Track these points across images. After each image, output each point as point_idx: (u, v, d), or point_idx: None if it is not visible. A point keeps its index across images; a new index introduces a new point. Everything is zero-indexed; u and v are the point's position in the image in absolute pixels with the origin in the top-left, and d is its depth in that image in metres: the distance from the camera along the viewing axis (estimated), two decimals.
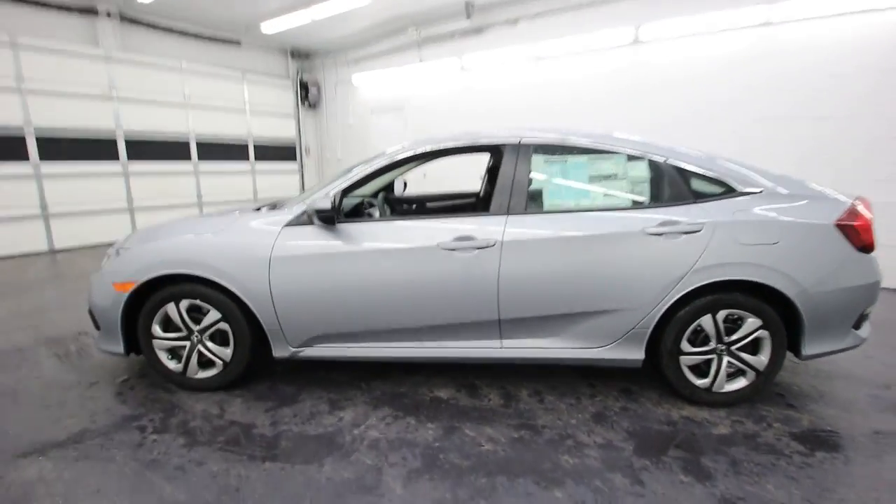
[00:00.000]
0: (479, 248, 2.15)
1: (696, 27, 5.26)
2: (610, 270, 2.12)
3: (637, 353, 2.21)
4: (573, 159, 2.28)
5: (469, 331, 2.27)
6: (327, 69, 9.11)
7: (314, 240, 2.23)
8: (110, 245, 2.67)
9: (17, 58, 5.73)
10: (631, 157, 2.25)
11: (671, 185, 2.21)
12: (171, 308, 2.35)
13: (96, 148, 6.54)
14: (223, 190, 8.17)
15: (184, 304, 2.34)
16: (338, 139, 9.44)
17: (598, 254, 2.12)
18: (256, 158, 8.71)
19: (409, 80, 7.99)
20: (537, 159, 2.29)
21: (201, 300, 2.32)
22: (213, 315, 2.33)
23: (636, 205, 2.21)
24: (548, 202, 2.24)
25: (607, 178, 2.24)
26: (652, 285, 2.12)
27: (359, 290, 2.22)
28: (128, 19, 6.79)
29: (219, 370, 2.41)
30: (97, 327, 2.48)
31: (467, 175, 6.91)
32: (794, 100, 5.03)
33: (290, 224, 2.28)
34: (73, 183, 6.37)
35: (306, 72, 9.36)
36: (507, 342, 2.27)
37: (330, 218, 2.16)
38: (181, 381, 2.46)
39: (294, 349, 2.35)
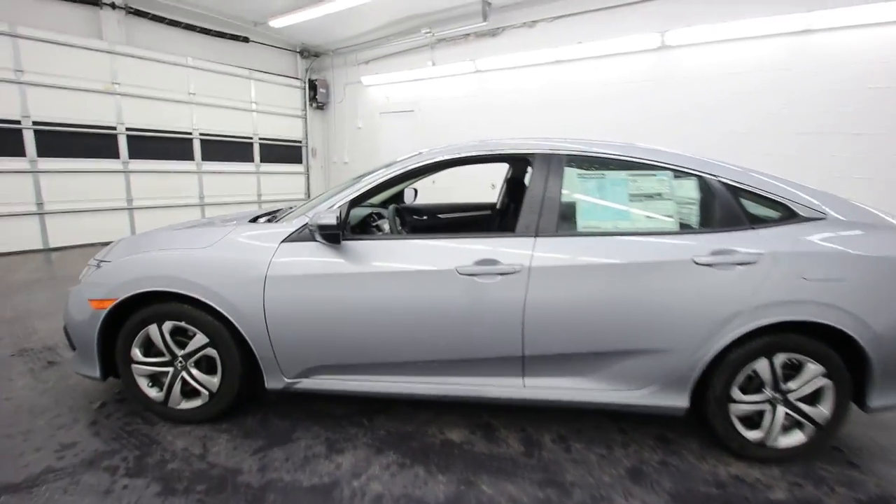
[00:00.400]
0: (502, 274, 1.88)
1: (726, 33, 4.98)
2: (652, 304, 1.84)
3: (680, 400, 1.93)
4: (611, 175, 2.01)
5: (488, 367, 2.00)
6: (337, 69, 8.89)
7: (315, 258, 1.97)
8: (108, 244, 2.41)
9: (16, 48, 5.53)
10: (678, 174, 1.97)
11: (724, 208, 1.93)
12: (152, 330, 2.09)
13: (96, 143, 6.33)
14: (226, 191, 7.94)
15: (167, 325, 2.08)
16: (345, 142, 9.20)
17: (638, 285, 1.84)
18: (262, 159, 8.49)
19: (421, 83, 7.76)
20: (570, 173, 2.01)
21: (186, 322, 2.06)
22: (200, 339, 2.07)
23: (684, 229, 1.93)
24: (582, 223, 1.96)
25: (650, 197, 1.96)
26: (700, 323, 1.83)
27: (365, 318, 1.96)
28: (133, 12, 6.59)
29: (204, 401, 2.15)
30: (72, 347, 2.22)
31: (473, 182, 6.67)
32: (830, 113, 4.75)
33: (288, 239, 2.02)
34: (71, 179, 6.16)
35: (315, 71, 9.15)
36: (530, 381, 2.00)
37: (334, 236, 1.89)
38: (162, 412, 2.19)
39: (289, 380, 2.09)
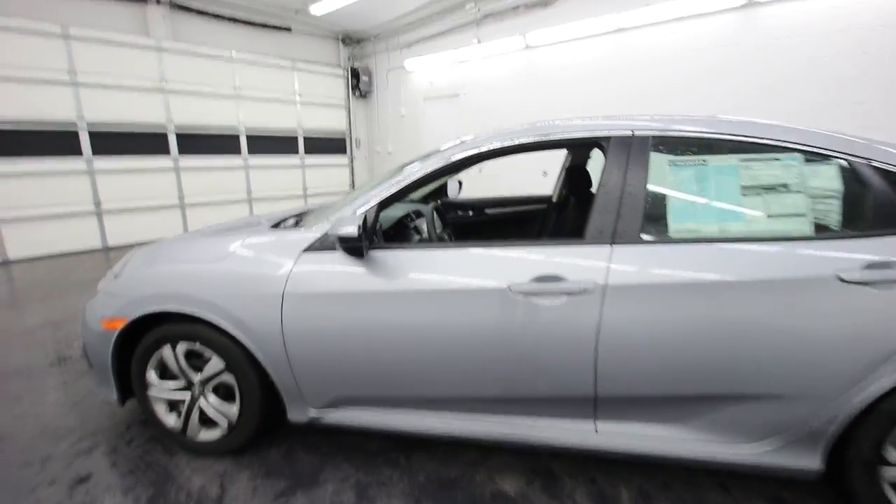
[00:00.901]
0: (569, 294, 1.47)
1: None
2: (776, 337, 1.36)
3: (809, 460, 1.44)
4: (715, 160, 1.52)
5: (549, 407, 1.60)
6: (379, 55, 8.58)
7: (340, 271, 1.64)
8: None
9: (69, 50, 5.64)
10: (811, 158, 1.45)
11: (882, 204, 1.40)
12: (166, 352, 1.87)
13: (147, 142, 6.43)
14: (273, 185, 7.93)
15: (181, 347, 1.85)
16: (389, 130, 8.93)
17: (757, 309, 1.37)
18: (306, 152, 8.39)
19: (466, 65, 7.29)
20: (658, 160, 1.54)
21: (201, 344, 1.82)
22: (216, 364, 1.83)
23: (821, 233, 1.42)
24: (675, 226, 1.50)
25: (772, 189, 1.46)
26: (846, 362, 1.34)
27: (395, 344, 1.62)
28: (177, 6, 6.58)
29: (223, 432, 1.91)
30: (90, 365, 2.06)
31: (522, 169, 6.16)
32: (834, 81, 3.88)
33: (311, 249, 1.71)
34: (125, 178, 6.29)
35: (357, 59, 8.90)
36: (604, 426, 1.58)
37: (356, 249, 1.55)
38: (181, 442, 1.98)
39: (315, 413, 1.80)
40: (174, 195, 6.81)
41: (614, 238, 1.49)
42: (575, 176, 2.67)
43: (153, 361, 1.91)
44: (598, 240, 1.50)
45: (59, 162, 5.74)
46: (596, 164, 2.61)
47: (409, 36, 7.89)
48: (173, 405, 1.98)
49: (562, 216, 2.77)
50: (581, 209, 2.45)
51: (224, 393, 1.90)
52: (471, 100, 7.41)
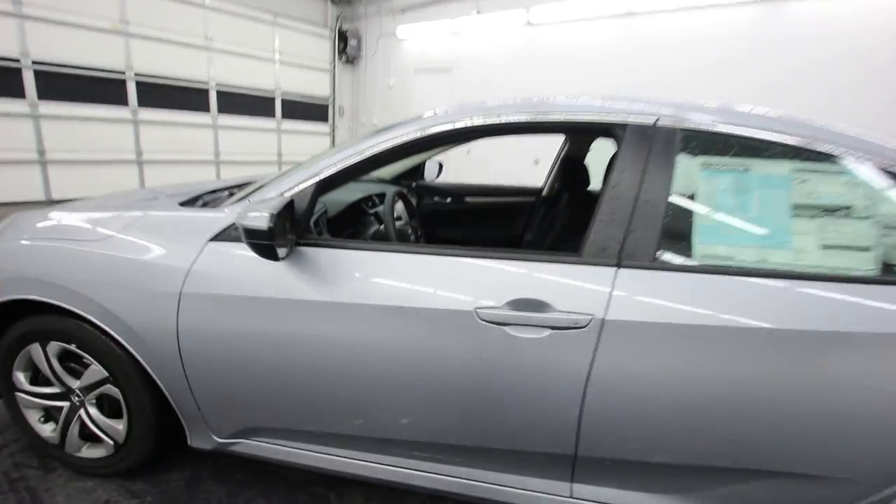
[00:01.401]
0: (555, 328, 1.10)
1: None
2: (827, 402, 1.03)
3: None
4: (762, 168, 1.16)
5: (517, 460, 1.26)
6: (370, 19, 7.96)
7: (254, 271, 1.25)
8: None
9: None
10: (890, 172, 1.11)
11: None
12: (34, 351, 1.46)
13: (103, 89, 5.78)
14: (245, 148, 7.33)
15: (52, 347, 1.44)
16: (375, 101, 8.37)
17: (803, 367, 1.03)
18: (284, 116, 7.79)
19: (461, 38, 6.79)
20: (687, 163, 1.17)
21: (77, 346, 1.41)
22: (97, 372, 1.43)
23: (890, 275, 1.08)
24: (703, 249, 1.14)
25: (832, 211, 1.11)
26: None
27: (324, 370, 1.24)
28: None
29: (109, 451, 1.52)
30: None
31: (514, 153, 5.78)
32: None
33: (219, 237, 1.30)
34: (74, 127, 5.65)
35: (346, 21, 8.25)
36: (582, 489, 1.25)
37: (267, 248, 1.13)
38: (60, 456, 1.59)
39: (221, 441, 1.42)
40: (131, 150, 6.19)
41: (621, 258, 1.12)
42: (571, 168, 2.30)
43: (20, 362, 1.50)
44: (600, 258, 1.14)
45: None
46: (597, 157, 2.24)
47: (403, 1, 7.30)
48: (50, 414, 1.57)
49: (550, 214, 2.40)
50: (573, 209, 2.09)
51: (109, 407, 1.50)
52: (465, 75, 6.93)
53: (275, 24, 7.31)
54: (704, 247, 1.12)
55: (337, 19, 8.12)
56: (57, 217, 1.52)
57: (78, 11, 5.42)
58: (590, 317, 1.08)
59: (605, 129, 1.28)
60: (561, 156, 2.49)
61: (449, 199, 2.71)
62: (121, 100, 5.97)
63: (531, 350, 1.12)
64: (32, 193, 5.55)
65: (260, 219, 1.06)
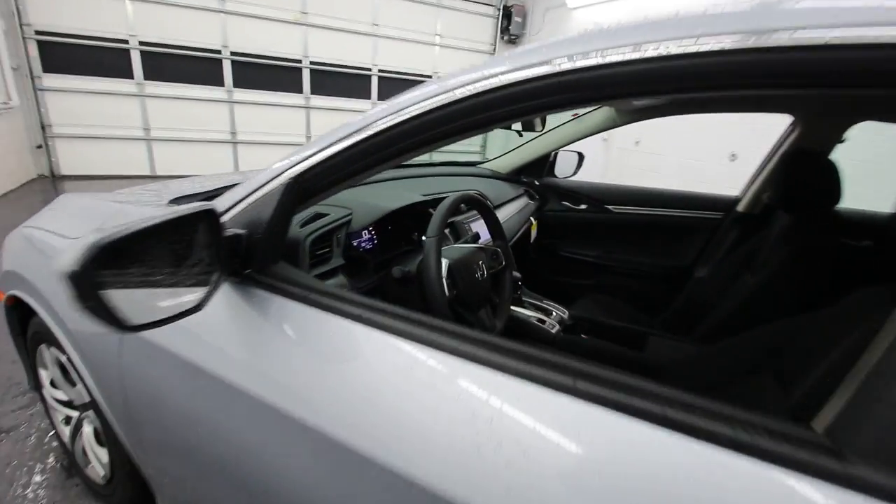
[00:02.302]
0: None
1: None
2: None
3: None
4: None
5: None
6: None
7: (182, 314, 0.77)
8: None
9: None
10: None
11: None
12: (45, 352, 1.29)
13: (282, 76, 6.34)
14: None
15: (53, 353, 1.24)
16: None
17: None
18: None
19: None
20: None
21: (69, 359, 1.17)
22: (81, 393, 1.18)
23: None
24: None
25: None
26: None
27: (268, 467, 0.71)
28: None
29: (102, 480, 1.29)
30: None
31: (699, 143, 4.42)
32: None
33: None
34: (258, 111, 6.35)
35: None
36: None
37: (92, 310, 0.54)
38: (74, 464, 1.44)
39: None
40: (301, 133, 6.73)
41: None
42: (801, 170, 1.31)
43: (40, 360, 1.35)
44: None
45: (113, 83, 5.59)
46: (854, 150, 1.23)
47: None
48: (68, 418, 1.42)
49: (749, 243, 1.45)
50: (801, 240, 1.16)
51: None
52: None
53: (439, 5, 7.12)
54: None
55: None
56: (74, 204, 1.30)
57: (266, 5, 5.97)
58: None
59: None
60: (781, 149, 1.50)
61: (583, 206, 1.94)
62: (296, 87, 6.51)
63: None
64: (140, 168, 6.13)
65: (68, 260, 0.53)
